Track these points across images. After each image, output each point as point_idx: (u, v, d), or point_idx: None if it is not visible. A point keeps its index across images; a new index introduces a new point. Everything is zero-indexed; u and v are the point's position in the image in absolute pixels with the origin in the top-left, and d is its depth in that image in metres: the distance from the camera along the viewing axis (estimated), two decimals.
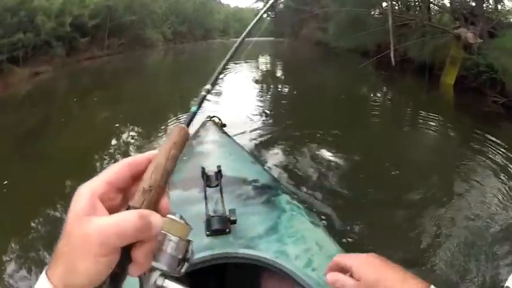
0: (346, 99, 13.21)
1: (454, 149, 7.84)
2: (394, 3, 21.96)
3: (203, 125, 3.96)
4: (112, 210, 0.58)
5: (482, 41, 13.16)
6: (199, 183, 2.17)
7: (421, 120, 10.28)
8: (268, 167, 6.11)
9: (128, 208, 0.58)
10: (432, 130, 9.43)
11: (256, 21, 1.35)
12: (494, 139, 7.78)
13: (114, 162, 0.68)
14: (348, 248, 2.34)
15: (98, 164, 6.97)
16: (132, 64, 28.51)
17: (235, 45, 1.13)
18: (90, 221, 0.53)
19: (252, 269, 1.85)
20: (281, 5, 58.27)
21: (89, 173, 0.75)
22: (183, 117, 8.91)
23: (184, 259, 0.64)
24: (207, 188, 2.12)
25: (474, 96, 12.23)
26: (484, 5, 15.79)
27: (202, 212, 1.96)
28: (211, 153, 3.17)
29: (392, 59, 14.54)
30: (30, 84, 19.08)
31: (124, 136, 8.50)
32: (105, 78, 21.78)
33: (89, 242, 0.52)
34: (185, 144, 0.67)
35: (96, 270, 0.53)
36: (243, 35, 1.22)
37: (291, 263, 1.73)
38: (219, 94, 12.92)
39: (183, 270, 0.65)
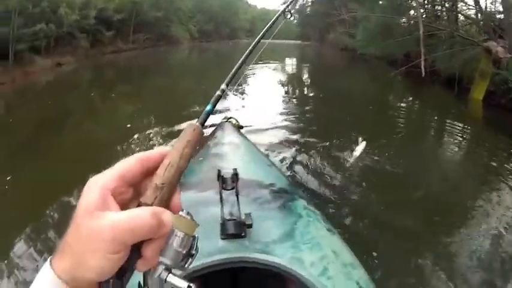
0: (373, 109, 12.78)
1: (482, 167, 7.45)
2: (422, 11, 21.72)
3: (220, 126, 3.93)
4: (122, 206, 0.56)
5: (511, 56, 12.70)
6: (215, 185, 2.08)
7: (448, 136, 9.87)
8: (287, 171, 6.05)
9: (139, 204, 0.57)
10: (459, 146, 9.07)
11: (273, 23, 1.43)
12: None
13: (129, 155, 0.60)
14: (362, 259, 2.25)
15: (113, 157, 6.66)
16: (157, 59, 28.55)
17: (250, 47, 1.13)
18: (102, 216, 0.52)
19: (265, 274, 1.81)
20: (308, 9, 58.64)
21: (104, 164, 0.63)
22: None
23: (188, 254, 0.62)
24: (223, 191, 2.05)
25: (503, 113, 11.78)
26: None
27: (217, 214, 1.94)
28: (227, 155, 3.13)
29: (423, 70, 14.12)
30: (52, 74, 19.15)
31: (141, 131, 8.31)
32: (128, 72, 21.75)
33: (100, 238, 0.51)
34: (199, 143, 0.67)
35: (106, 266, 0.52)
36: (258, 36, 1.27)
37: (306, 270, 1.69)
38: (242, 93, 12.91)
39: (186, 265, 0.62)
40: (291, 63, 30.93)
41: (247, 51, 1.09)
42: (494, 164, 7.61)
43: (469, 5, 19.33)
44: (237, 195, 2.03)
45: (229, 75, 0.92)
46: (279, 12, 1.60)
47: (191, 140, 0.65)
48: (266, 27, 1.35)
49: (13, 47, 16.71)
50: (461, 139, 9.68)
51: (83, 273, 0.52)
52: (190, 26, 48.17)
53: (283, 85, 17.58)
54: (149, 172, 0.60)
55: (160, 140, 7.81)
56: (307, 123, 9.87)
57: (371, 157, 7.14)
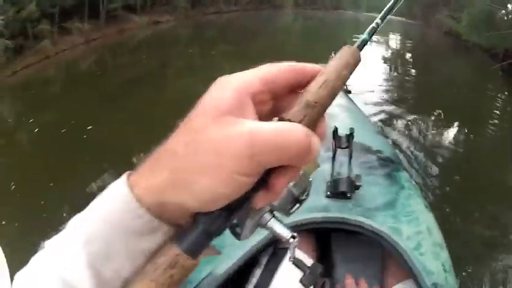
0: (465, 100, 12.09)
1: None
2: None
3: None
4: (259, 119, 0.44)
5: None
6: (328, 141, 2.07)
7: None
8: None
9: (281, 120, 0.46)
10: None
11: None
12: None
13: None
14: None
15: None
16: (259, 23, 28.47)
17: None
18: (240, 123, 0.40)
19: (355, 239, 1.85)
20: None
21: None
22: None
23: (297, 199, 0.60)
24: (338, 149, 2.07)
25: None
26: None
27: (326, 172, 1.95)
28: (338, 115, 3.06)
29: None
30: (149, 31, 19.70)
31: None
32: (229, 33, 21.94)
33: (232, 150, 0.39)
34: (355, 68, 0.54)
35: (225, 191, 0.40)
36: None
37: (404, 242, 1.67)
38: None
39: (292, 210, 0.61)
40: (394, 39, 30.22)
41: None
42: None
43: None
44: (350, 155, 2.07)
45: (385, 10, 0.72)
46: None
47: (350, 63, 0.52)
48: None
49: (104, 5, 17.25)
50: None
51: (184, 196, 0.40)
52: None
53: (384, 61, 17.63)
54: (296, 88, 0.49)
55: None
56: (404, 100, 10.10)
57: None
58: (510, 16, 21.58)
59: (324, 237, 1.96)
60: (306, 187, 0.60)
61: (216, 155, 0.38)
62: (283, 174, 0.44)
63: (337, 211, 1.73)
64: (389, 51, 22.14)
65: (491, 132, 9.44)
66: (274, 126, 0.41)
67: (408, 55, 23.55)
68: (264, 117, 0.46)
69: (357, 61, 0.54)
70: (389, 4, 0.72)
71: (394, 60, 18.39)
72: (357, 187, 1.86)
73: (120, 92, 9.05)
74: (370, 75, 11.48)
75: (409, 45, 29.62)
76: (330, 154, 2.06)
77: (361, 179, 1.87)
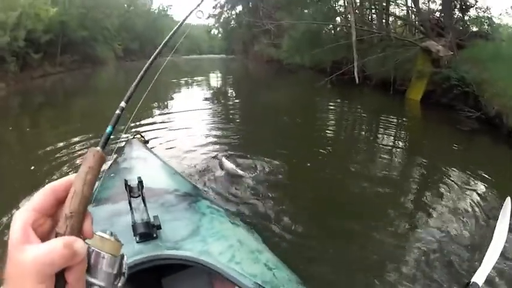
0: (301, 121, 12.21)
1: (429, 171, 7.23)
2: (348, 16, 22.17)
3: (128, 142, 4.32)
4: (44, 236, 0.61)
5: (453, 53, 13.21)
6: (125, 195, 2.24)
7: (387, 141, 9.62)
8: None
9: (56, 234, 0.61)
10: (404, 151, 9.05)
11: (173, 34, 1.43)
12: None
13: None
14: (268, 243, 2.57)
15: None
16: (83, 83, 28.09)
17: (149, 61, 1.14)
18: (25, 250, 0.56)
19: (192, 272, 2.13)
20: (233, 22, 58.86)
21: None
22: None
23: (120, 273, 0.67)
24: (132, 199, 2.21)
25: (443, 111, 12.10)
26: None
27: (130, 221, 2.08)
28: (134, 167, 3.43)
29: (357, 76, 14.35)
30: None
31: (63, 154, 7.88)
32: (55, 97, 20.74)
33: (26, 271, 0.55)
34: (101, 167, 0.68)
35: None
36: (157, 50, 1.28)
37: (215, 259, 1.86)
38: (169, 113, 12.95)
39: (120, 284, 0.67)
40: (215, 78, 31.76)
41: (144, 68, 1.10)
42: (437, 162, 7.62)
43: (406, 5, 19.85)
44: (143, 201, 2.22)
45: (128, 93, 0.94)
46: (178, 25, 1.57)
47: (92, 165, 0.67)
48: (164, 41, 1.36)
49: None
50: (403, 143, 9.76)
51: None
52: (115, 45, 47.14)
53: (205, 100, 17.15)
54: (63, 200, 0.64)
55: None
56: (228, 139, 9.39)
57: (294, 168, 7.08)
58: (339, 28, 23.18)
59: (155, 284, 2.32)
60: (120, 262, 0.67)
61: (21, 275, 0.55)
62: (70, 272, 0.59)
63: (149, 251, 1.86)
64: (210, 90, 22.54)
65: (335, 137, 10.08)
66: (44, 247, 0.57)
67: (230, 90, 24.31)
68: (48, 233, 0.63)
69: (100, 161, 0.68)
70: (134, 83, 0.91)
71: (215, 99, 18.08)
72: (157, 226, 2.04)
73: None
74: (192, 121, 11.24)
75: (230, 79, 31.24)
76: (127, 205, 2.19)
77: (159, 219, 2.07)
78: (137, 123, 10.11)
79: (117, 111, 0.85)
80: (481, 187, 6.22)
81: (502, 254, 3.62)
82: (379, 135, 10.31)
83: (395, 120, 12.09)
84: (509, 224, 3.95)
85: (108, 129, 0.81)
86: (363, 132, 11.42)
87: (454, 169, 7.07)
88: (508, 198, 4.55)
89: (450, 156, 8.10)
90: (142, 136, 4.75)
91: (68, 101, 18.14)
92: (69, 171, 6.48)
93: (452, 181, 6.46)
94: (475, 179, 6.59)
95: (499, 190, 5.97)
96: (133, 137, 4.53)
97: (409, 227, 4.97)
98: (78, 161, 7.03)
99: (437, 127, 11.16)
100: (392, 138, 10.00)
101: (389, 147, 9.01)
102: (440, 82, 12.78)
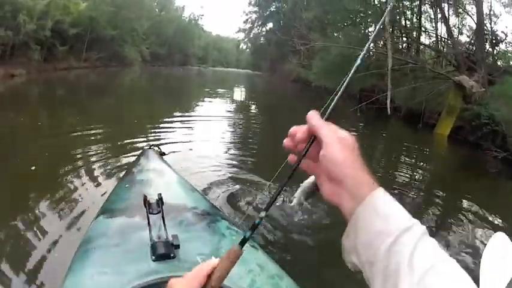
0: None
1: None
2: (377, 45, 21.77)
3: (143, 153, 4.14)
4: None
5: (484, 89, 12.77)
6: (142, 210, 2.21)
7: (409, 173, 9.27)
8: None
9: None
10: (425, 186, 8.59)
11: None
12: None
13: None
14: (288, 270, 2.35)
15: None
16: (106, 81, 27.64)
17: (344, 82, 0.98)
18: None
19: None
20: (262, 38, 59.07)
21: None
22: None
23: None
24: (150, 215, 2.16)
25: (470, 149, 11.91)
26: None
27: (146, 237, 2.03)
28: (152, 181, 3.28)
29: (389, 106, 13.74)
30: (2, 86, 18.24)
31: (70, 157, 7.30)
32: (78, 92, 20.38)
33: None
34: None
35: None
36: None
37: (235, 284, 1.78)
38: (191, 121, 12.53)
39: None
40: (239, 93, 31.29)
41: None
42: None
43: (436, 36, 19.37)
44: (163, 218, 2.15)
45: (276, 191, 0.88)
46: None
47: (234, 261, 0.80)
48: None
49: None
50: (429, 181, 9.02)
51: None
52: (143, 48, 47.19)
53: (227, 114, 16.57)
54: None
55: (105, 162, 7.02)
56: (244, 159, 8.68)
57: None
58: (366, 56, 22.67)
59: None
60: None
61: None
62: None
63: (166, 271, 1.83)
64: (233, 105, 21.72)
65: None
66: None
67: (252, 107, 23.31)
68: None
69: (238, 256, 0.80)
70: (279, 188, 0.86)
71: (236, 115, 17.14)
72: (176, 246, 1.99)
73: None
74: (211, 136, 10.58)
75: (254, 96, 30.79)
76: (145, 222, 2.14)
77: (178, 238, 2.02)
78: (155, 131, 10.03)
79: (257, 221, 0.85)
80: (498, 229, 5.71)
81: None
82: (400, 168, 9.84)
83: (420, 153, 11.94)
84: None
85: (248, 233, 0.83)
86: (384, 164, 10.73)
87: (474, 209, 6.79)
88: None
89: (471, 195, 7.74)
90: (159, 147, 4.49)
91: (88, 98, 17.70)
92: (72, 178, 6.05)
93: (469, 221, 6.15)
94: (493, 222, 6.28)
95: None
96: (150, 148, 4.31)
97: None
98: (83, 167, 6.56)
99: (462, 164, 11.00)
100: (415, 171, 9.70)
101: (411, 180, 8.70)
102: (470, 119, 12.54)
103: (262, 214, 0.84)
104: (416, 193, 7.88)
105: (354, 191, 0.77)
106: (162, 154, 4.40)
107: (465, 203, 7.20)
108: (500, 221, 6.32)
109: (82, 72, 28.98)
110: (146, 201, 2.21)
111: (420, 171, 9.94)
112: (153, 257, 1.93)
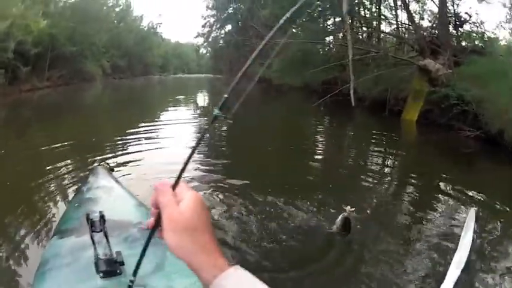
0: (294, 148, 11.02)
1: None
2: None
3: (93, 170, 4.26)
4: None
5: (451, 71, 13.05)
6: (87, 229, 2.28)
7: (380, 163, 9.42)
8: None
9: None
10: (398, 173, 8.74)
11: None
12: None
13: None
14: None
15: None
16: (70, 100, 27.20)
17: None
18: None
19: None
20: (221, 41, 58.85)
21: None
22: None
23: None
24: (94, 233, 2.25)
25: (441, 131, 11.99)
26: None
27: (92, 256, 2.10)
28: (98, 198, 3.40)
29: (352, 97, 13.97)
30: None
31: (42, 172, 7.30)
32: (41, 112, 19.96)
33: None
34: None
35: None
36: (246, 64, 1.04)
37: None
38: (156, 130, 12.45)
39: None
40: (202, 98, 32.61)
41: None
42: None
43: (397, 23, 19.95)
44: (106, 236, 2.22)
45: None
46: None
47: None
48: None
49: None
50: (402, 168, 9.07)
51: None
52: (104, 62, 46.60)
53: (185, 122, 15.48)
54: None
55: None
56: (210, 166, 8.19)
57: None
58: (326, 49, 23.00)
59: None
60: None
61: None
62: None
63: None
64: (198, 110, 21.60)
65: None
66: None
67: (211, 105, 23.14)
68: None
69: None
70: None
71: (195, 117, 17.87)
72: (121, 263, 2.06)
73: None
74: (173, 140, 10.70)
75: (216, 98, 30.02)
76: (89, 240, 2.21)
77: (121, 255, 2.10)
78: (111, 146, 9.91)
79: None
80: (479, 207, 5.86)
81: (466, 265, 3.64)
82: (372, 158, 10.06)
83: (390, 140, 12.01)
84: (472, 236, 4.00)
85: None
86: (355, 156, 10.81)
87: (450, 188, 6.94)
88: (473, 210, 4.65)
89: (448, 175, 8.00)
90: (107, 164, 4.65)
91: (55, 117, 17.39)
92: (31, 197, 6.00)
93: (447, 201, 6.34)
94: (471, 198, 6.45)
95: (494, 212, 5.91)
96: (99, 165, 4.47)
97: (399, 252, 4.62)
98: (41, 187, 6.48)
99: (435, 146, 11.13)
100: (387, 158, 9.97)
101: (384, 167, 8.92)
102: (438, 101, 12.61)
103: None
104: (390, 179, 8.07)
105: (198, 274, 0.80)
106: (111, 170, 4.57)
107: (442, 185, 7.18)
108: (478, 197, 6.45)
109: (45, 92, 28.60)
110: (89, 220, 2.30)
111: (392, 158, 10.17)
112: (101, 274, 2.00)
